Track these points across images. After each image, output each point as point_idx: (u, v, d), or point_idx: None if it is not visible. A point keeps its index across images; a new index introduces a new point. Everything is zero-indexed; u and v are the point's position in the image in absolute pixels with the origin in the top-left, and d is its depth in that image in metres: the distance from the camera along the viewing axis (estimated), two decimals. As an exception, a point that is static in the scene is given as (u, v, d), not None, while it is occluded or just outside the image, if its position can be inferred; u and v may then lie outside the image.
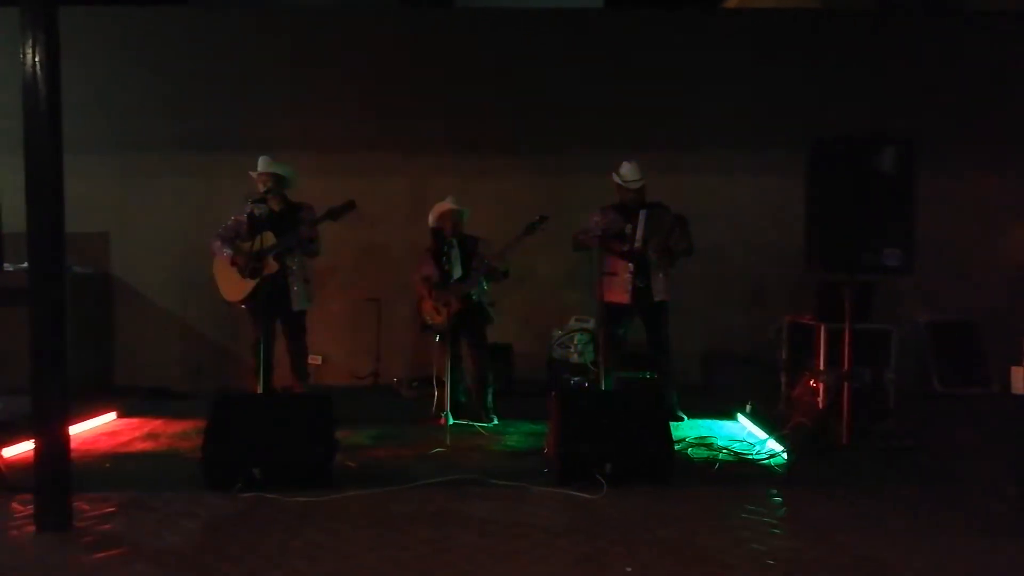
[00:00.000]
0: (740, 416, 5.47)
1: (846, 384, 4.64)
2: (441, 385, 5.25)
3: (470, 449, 4.73)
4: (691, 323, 6.51)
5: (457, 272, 5.28)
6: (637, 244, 5.26)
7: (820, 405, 5.01)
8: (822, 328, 5.17)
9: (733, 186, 7.00)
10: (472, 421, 5.29)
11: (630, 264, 5.35)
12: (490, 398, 5.46)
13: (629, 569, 2.90)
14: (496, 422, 5.36)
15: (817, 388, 5.15)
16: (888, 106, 6.73)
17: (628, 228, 5.31)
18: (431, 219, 5.48)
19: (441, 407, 5.18)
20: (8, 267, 4.53)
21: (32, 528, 3.29)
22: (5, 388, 4.73)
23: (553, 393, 4.24)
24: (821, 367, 5.13)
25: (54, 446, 3.33)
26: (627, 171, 5.41)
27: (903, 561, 3.00)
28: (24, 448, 4.28)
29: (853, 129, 5.12)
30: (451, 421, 5.04)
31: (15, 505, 3.58)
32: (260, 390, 5.15)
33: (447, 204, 5.40)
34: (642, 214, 5.27)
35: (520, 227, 5.20)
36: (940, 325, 6.78)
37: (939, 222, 6.48)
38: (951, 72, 6.97)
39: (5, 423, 4.64)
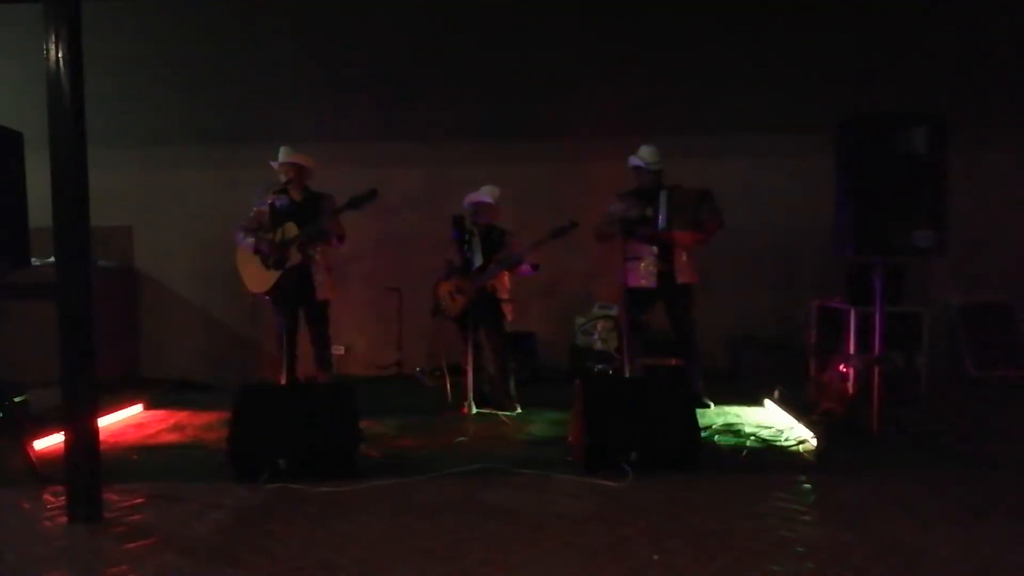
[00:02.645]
0: (768, 402, 5.42)
1: (877, 369, 4.57)
2: (463, 374, 5.25)
3: (494, 438, 4.72)
4: (718, 308, 6.45)
5: (477, 261, 5.27)
6: (661, 226, 5.21)
7: (850, 390, 4.93)
8: (852, 312, 5.10)
9: (760, 168, 6.91)
10: (495, 410, 5.29)
11: (654, 247, 5.31)
12: (512, 387, 5.44)
13: (656, 557, 2.88)
14: (519, 411, 5.35)
15: (847, 373, 5.07)
16: (919, 83, 6.57)
17: (649, 211, 5.26)
18: (465, 205, 5.46)
19: (464, 396, 5.18)
20: (35, 262, 4.61)
21: (64, 519, 3.35)
22: (35, 381, 4.79)
23: (577, 381, 4.21)
24: (851, 351, 5.06)
25: (84, 438, 3.39)
26: (647, 153, 5.39)
27: (935, 547, 2.96)
28: (55, 440, 4.36)
29: (883, 107, 5.00)
30: (474, 410, 5.04)
31: (47, 496, 3.65)
32: (284, 381, 5.18)
33: (483, 196, 5.36)
34: (662, 195, 5.23)
35: (545, 223, 5.13)
36: (974, 307, 6.65)
37: (972, 202, 6.36)
38: (984, 48, 6.77)
39: (36, 416, 4.70)
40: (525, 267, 5.26)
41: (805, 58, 6.81)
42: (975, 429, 4.73)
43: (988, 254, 6.71)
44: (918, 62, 6.72)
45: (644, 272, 5.35)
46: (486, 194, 5.36)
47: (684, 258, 5.36)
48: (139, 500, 3.60)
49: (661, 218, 5.20)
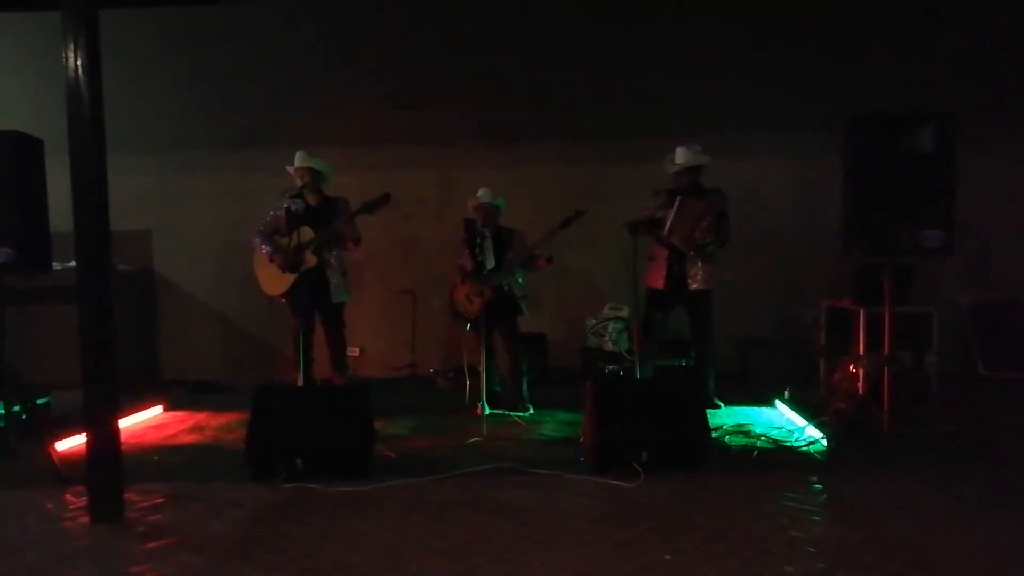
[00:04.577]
0: (778, 403, 5.43)
1: (886, 369, 4.57)
2: (476, 375, 5.30)
3: (506, 438, 4.76)
4: (727, 309, 6.44)
5: (490, 263, 5.31)
6: (664, 232, 5.22)
7: (860, 390, 4.94)
8: (861, 312, 5.10)
9: (768, 169, 6.92)
10: (508, 410, 5.33)
11: (666, 250, 5.34)
12: (525, 387, 5.49)
13: (667, 556, 2.90)
14: (532, 411, 5.39)
15: (857, 373, 5.08)
16: (927, 82, 6.57)
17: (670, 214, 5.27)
18: (471, 206, 5.52)
19: (477, 397, 5.23)
20: (56, 266, 4.69)
21: (85, 519, 3.40)
22: (57, 384, 4.87)
23: (588, 382, 4.24)
24: (861, 352, 5.06)
25: (105, 439, 3.44)
26: (678, 153, 5.37)
27: (946, 546, 2.97)
28: (76, 442, 4.43)
29: (891, 107, 5.00)
30: (487, 411, 5.09)
31: (69, 497, 3.71)
32: (300, 382, 5.24)
33: (480, 197, 5.43)
34: (677, 201, 5.22)
35: (556, 219, 5.19)
36: (983, 307, 6.64)
37: (981, 201, 6.34)
38: (991, 45, 6.76)
39: (58, 418, 4.78)
40: (541, 260, 5.30)
41: (812, 59, 6.82)
42: (985, 429, 4.71)
43: (997, 253, 6.69)
44: (926, 61, 6.71)
45: (657, 273, 5.38)
46: (482, 197, 5.42)
47: (699, 264, 5.34)
48: (159, 500, 3.66)
49: (668, 224, 5.21)
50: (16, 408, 4.57)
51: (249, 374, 6.76)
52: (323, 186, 5.41)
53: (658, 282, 5.37)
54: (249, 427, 3.98)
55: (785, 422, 5.04)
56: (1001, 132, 6.69)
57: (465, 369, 5.57)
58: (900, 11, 6.80)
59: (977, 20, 6.76)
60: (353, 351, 6.41)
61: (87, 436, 3.44)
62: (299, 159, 5.31)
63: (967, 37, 6.75)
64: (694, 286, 5.36)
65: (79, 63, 3.36)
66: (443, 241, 6.44)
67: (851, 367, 5.17)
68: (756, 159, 6.91)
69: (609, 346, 6.42)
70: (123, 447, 3.60)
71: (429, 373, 6.87)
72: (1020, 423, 4.97)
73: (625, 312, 6.45)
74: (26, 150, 4.34)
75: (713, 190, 5.37)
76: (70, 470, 3.91)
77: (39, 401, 4.91)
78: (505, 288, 5.33)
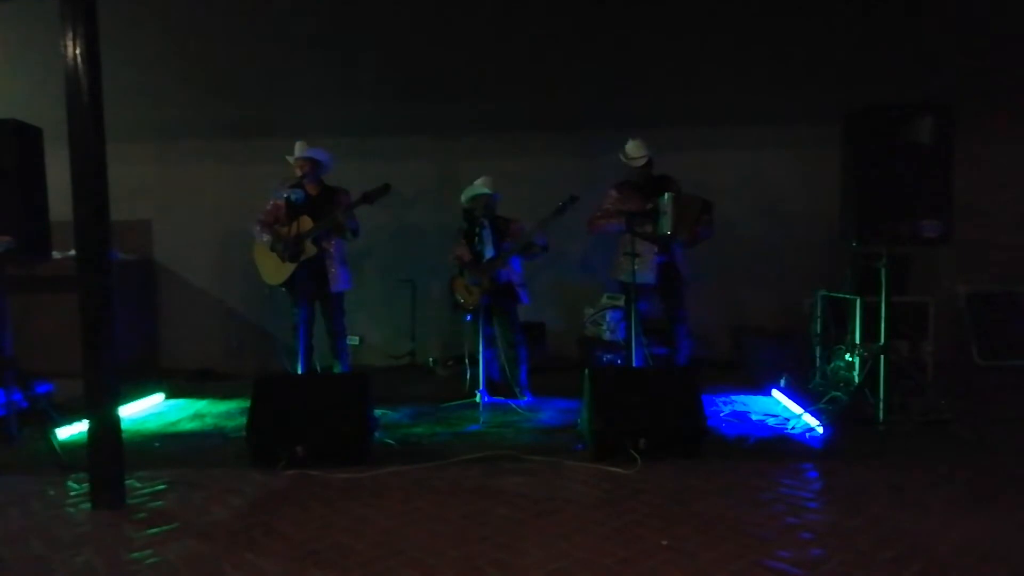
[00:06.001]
0: (774, 391, 5.46)
1: (883, 358, 4.60)
2: (475, 363, 5.32)
3: (505, 426, 4.79)
4: (724, 298, 6.48)
5: (489, 252, 5.32)
6: (667, 231, 5.19)
7: (856, 379, 4.97)
8: (858, 301, 5.12)
9: (766, 159, 6.92)
10: (506, 399, 5.35)
11: (654, 245, 5.32)
12: (523, 376, 5.51)
13: (664, 542, 2.93)
14: (530, 399, 5.42)
15: (853, 362, 5.11)
16: (925, 72, 6.56)
17: (649, 205, 5.26)
18: (463, 200, 5.53)
19: (475, 385, 5.25)
20: (56, 255, 4.70)
21: (87, 505, 3.43)
22: (59, 372, 4.89)
23: (586, 370, 4.27)
24: (857, 341, 5.08)
25: (106, 427, 3.46)
26: (631, 148, 5.40)
27: (940, 534, 2.99)
28: (77, 429, 4.45)
29: (889, 98, 5.00)
30: (486, 399, 5.11)
31: (70, 484, 3.74)
32: (301, 371, 5.26)
33: (477, 187, 5.44)
34: (667, 198, 5.18)
35: (551, 207, 5.20)
36: (980, 296, 6.66)
37: (978, 191, 6.35)
38: (989, 35, 6.74)
39: (59, 406, 4.80)
40: (535, 249, 5.30)
41: (810, 49, 6.79)
42: (981, 418, 4.74)
43: (994, 243, 6.70)
44: (924, 52, 6.69)
45: (646, 268, 5.33)
46: (483, 186, 5.42)
47: (680, 253, 5.43)
48: (161, 487, 3.69)
49: (666, 223, 5.17)
50: (17, 396, 4.59)
51: (249, 363, 6.78)
52: (323, 176, 5.41)
53: (647, 276, 5.33)
54: (250, 415, 4.02)
55: (782, 410, 5.07)
56: (1000, 122, 6.69)
57: (465, 358, 5.60)
58: (900, 2, 6.78)
59: (977, 12, 6.74)
60: (353, 340, 6.43)
61: (88, 423, 3.46)
62: (299, 149, 5.31)
63: (967, 29, 6.73)
64: (683, 273, 5.42)
65: (78, 52, 3.35)
66: (443, 230, 6.44)
67: (847, 356, 5.20)
68: (755, 150, 6.91)
69: (607, 335, 6.45)
70: (124, 435, 3.62)
71: (428, 362, 6.89)
72: (1016, 412, 5.00)
73: (622, 301, 6.47)
74: (25, 139, 4.34)
75: (666, 177, 5.39)
76: (72, 457, 3.94)
77: (40, 389, 4.93)
78: (503, 277, 5.34)
